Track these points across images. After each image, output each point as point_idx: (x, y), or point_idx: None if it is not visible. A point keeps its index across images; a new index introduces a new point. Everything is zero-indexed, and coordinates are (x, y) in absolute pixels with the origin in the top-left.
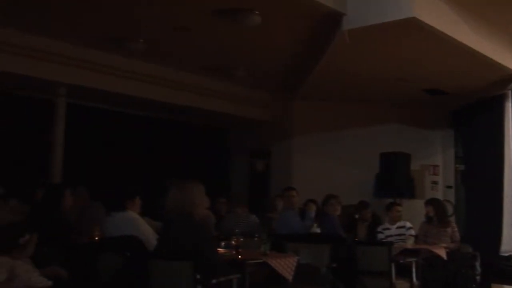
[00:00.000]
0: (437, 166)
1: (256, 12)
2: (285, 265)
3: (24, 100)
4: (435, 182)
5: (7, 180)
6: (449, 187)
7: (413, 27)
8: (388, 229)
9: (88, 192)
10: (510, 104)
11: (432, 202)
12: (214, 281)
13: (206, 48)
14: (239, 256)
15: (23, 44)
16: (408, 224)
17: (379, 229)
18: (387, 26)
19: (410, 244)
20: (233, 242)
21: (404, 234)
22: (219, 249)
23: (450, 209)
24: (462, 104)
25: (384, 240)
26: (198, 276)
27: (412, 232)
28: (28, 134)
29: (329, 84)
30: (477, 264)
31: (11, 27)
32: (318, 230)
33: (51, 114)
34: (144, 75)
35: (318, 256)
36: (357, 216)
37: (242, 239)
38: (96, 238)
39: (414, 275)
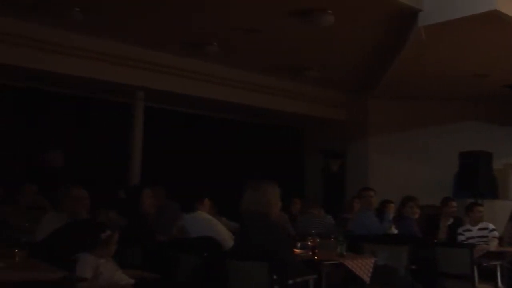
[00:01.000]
0: None
1: (329, 11)
2: (362, 266)
3: (104, 103)
4: None
5: (89, 182)
6: None
7: (494, 20)
8: (469, 230)
9: (164, 192)
10: None
11: None
12: (290, 281)
13: (279, 49)
14: (315, 257)
15: (103, 50)
16: (491, 226)
17: (460, 230)
18: (466, 20)
19: (494, 246)
20: (309, 243)
21: (486, 236)
22: (295, 249)
23: None
24: None
25: (465, 242)
26: (274, 277)
27: (496, 233)
28: (108, 136)
29: (405, 81)
30: None
31: (92, 34)
32: (395, 232)
33: (130, 117)
34: (219, 78)
35: (396, 258)
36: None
37: (318, 240)
38: (174, 238)
39: (499, 279)
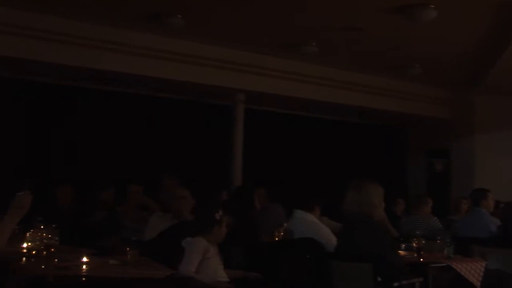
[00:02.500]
0: None
1: (432, 6)
2: (472, 270)
3: (206, 107)
4: None
5: (193, 183)
6: None
7: None
8: None
9: (265, 193)
10: None
11: None
12: (395, 284)
13: (380, 47)
14: (421, 259)
15: (204, 54)
16: None
17: None
18: None
19: None
20: (414, 245)
21: None
22: (399, 251)
23: None
24: None
25: None
26: (379, 279)
27: None
28: (211, 139)
29: None
30: None
31: (192, 39)
32: None
33: (231, 119)
34: (319, 78)
35: (510, 262)
36: None
37: (423, 241)
38: (277, 239)
39: None
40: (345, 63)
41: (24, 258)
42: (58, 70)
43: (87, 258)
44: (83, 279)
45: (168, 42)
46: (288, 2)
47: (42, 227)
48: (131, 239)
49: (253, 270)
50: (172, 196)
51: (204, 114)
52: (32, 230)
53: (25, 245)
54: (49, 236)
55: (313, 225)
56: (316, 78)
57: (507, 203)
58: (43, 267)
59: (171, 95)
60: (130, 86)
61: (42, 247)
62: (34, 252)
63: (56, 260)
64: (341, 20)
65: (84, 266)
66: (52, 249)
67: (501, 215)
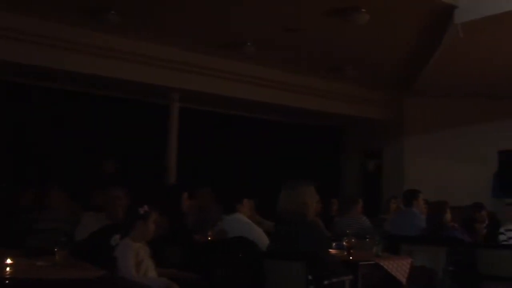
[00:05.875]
0: None
1: (363, 10)
2: (399, 267)
3: (140, 105)
4: None
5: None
6: None
7: None
8: (510, 230)
9: (211, 193)
10: None
11: None
12: (326, 282)
13: (317, 48)
14: (351, 257)
15: (138, 51)
16: None
17: (502, 230)
18: (502, 16)
19: None
20: (345, 243)
21: None
22: (330, 250)
23: None
24: None
25: (506, 243)
26: (310, 277)
27: None
28: (145, 138)
29: (443, 79)
30: None
31: (127, 36)
32: None
33: (166, 118)
34: (254, 78)
35: (434, 259)
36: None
37: (353, 240)
38: (210, 239)
39: None
40: (282, 64)
41: None
42: None
43: (11, 260)
44: (7, 281)
45: (103, 38)
46: (225, 1)
47: None
48: (60, 240)
49: (189, 270)
50: (104, 195)
51: (139, 113)
52: None
53: None
54: None
55: (246, 225)
56: (252, 78)
57: (431, 203)
58: None
59: (105, 92)
60: (63, 82)
61: None
62: None
63: None
64: (278, 21)
65: (8, 269)
66: None
67: (426, 214)
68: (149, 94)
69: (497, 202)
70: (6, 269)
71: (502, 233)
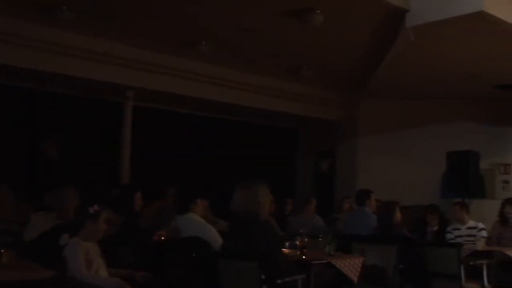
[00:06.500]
0: (509, 165)
1: (317, 11)
2: (351, 266)
3: (94, 103)
4: (506, 182)
5: (81, 180)
6: None
7: (481, 21)
8: (458, 229)
9: (173, 193)
10: None
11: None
12: (279, 281)
13: (272, 49)
14: (304, 257)
15: (93, 49)
16: (481, 225)
17: (449, 229)
18: (453, 21)
19: (480, 245)
20: (298, 243)
21: (474, 236)
22: (284, 249)
23: None
24: None
25: (453, 241)
26: (263, 276)
27: (484, 233)
28: (99, 136)
29: (394, 81)
30: None
31: (80, 32)
32: None
33: (120, 116)
34: (210, 77)
35: (385, 257)
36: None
37: (306, 240)
38: (163, 238)
39: (485, 278)
40: (238, 63)
41: None
42: None
43: None
44: None
45: (56, 34)
46: (180, 0)
47: None
48: (7, 240)
49: (143, 269)
50: (55, 195)
51: (93, 111)
52: None
53: None
54: None
55: (200, 225)
56: (208, 77)
57: (382, 203)
58: None
59: (58, 89)
60: (13, 78)
61: None
62: None
63: None
64: (233, 21)
65: None
66: None
67: (377, 214)
68: (103, 92)
69: (445, 202)
70: None
71: (449, 232)
